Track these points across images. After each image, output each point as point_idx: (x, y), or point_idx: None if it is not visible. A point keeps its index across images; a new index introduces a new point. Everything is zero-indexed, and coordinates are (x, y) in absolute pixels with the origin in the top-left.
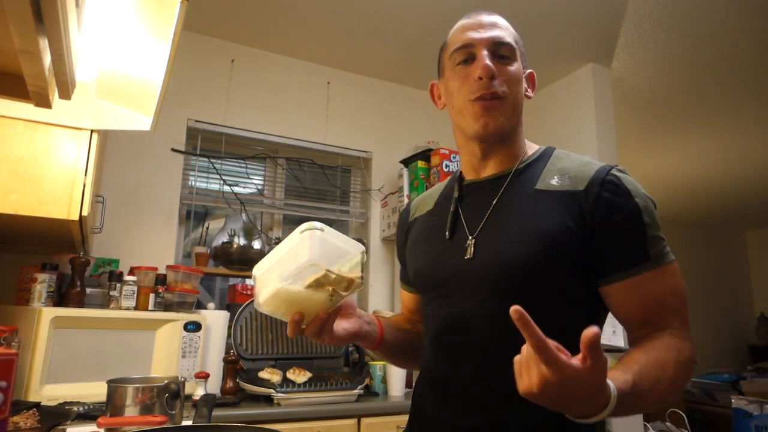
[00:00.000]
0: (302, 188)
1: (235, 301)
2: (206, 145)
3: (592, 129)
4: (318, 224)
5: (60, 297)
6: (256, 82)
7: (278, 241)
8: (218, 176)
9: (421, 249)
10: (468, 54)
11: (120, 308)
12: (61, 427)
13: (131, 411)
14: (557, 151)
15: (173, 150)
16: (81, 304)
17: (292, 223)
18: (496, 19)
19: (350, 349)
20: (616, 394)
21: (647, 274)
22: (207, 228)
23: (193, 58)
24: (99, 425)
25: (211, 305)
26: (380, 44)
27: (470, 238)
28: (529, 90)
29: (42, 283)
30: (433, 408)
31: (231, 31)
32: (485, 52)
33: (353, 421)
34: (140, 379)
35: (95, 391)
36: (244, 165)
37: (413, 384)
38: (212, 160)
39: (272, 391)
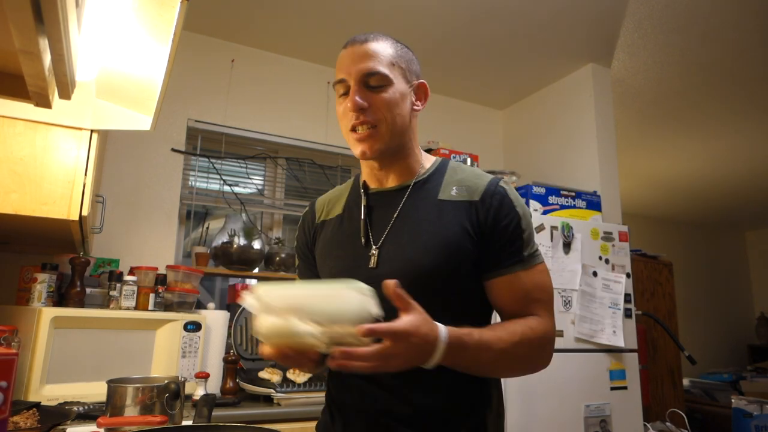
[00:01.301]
0: (302, 188)
1: (235, 301)
2: (206, 145)
3: (592, 129)
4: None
5: (60, 297)
6: (256, 82)
7: (278, 240)
8: (218, 176)
9: (335, 253)
10: (345, 87)
11: (120, 308)
12: (61, 427)
13: (131, 411)
14: (451, 162)
15: (173, 150)
16: (81, 304)
17: (292, 223)
18: (370, 46)
19: None
20: (447, 334)
21: (520, 273)
22: (207, 228)
23: (193, 58)
24: (99, 425)
25: (211, 305)
26: None
27: (374, 248)
28: (418, 103)
29: (42, 283)
30: (355, 399)
31: (231, 31)
32: (355, 86)
33: None
34: (140, 379)
35: (95, 391)
36: (244, 165)
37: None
38: (212, 160)
39: (272, 391)
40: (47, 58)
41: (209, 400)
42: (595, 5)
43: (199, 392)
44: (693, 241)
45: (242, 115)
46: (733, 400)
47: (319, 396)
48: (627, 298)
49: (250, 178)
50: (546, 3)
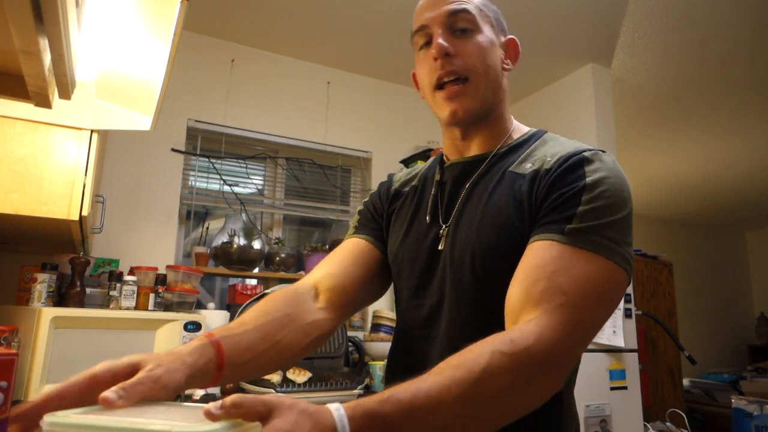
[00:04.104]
0: (302, 188)
1: (235, 301)
2: (206, 145)
3: (592, 129)
4: None
5: (60, 297)
6: (256, 82)
7: (278, 240)
8: (218, 176)
9: (400, 229)
10: (426, 36)
11: (120, 308)
12: None
13: None
14: (548, 134)
15: (173, 150)
16: (81, 304)
17: (292, 223)
18: None
19: (350, 348)
20: (345, 415)
21: (552, 243)
22: (207, 228)
23: (193, 58)
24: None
25: (211, 305)
26: (380, 44)
27: (444, 227)
28: (508, 61)
29: (42, 283)
30: None
31: (231, 31)
32: (439, 30)
33: None
34: None
35: None
36: (244, 165)
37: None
38: (212, 160)
39: (272, 391)
40: (47, 58)
41: (209, 401)
42: (595, 5)
43: (198, 392)
44: (693, 241)
45: (242, 115)
46: (733, 400)
47: (319, 396)
48: (627, 298)
49: (250, 178)
50: (546, 3)
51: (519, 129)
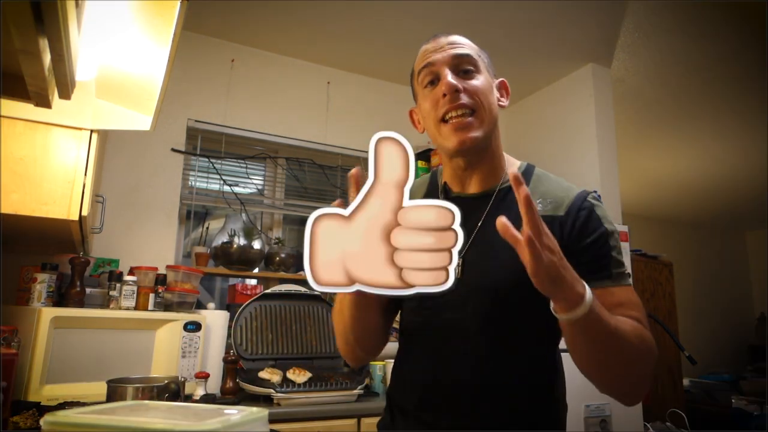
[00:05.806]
0: (302, 188)
1: (235, 301)
2: (206, 145)
3: (592, 129)
4: None
5: (60, 297)
6: (256, 82)
7: (278, 240)
8: (218, 176)
9: None
10: (432, 75)
11: (120, 308)
12: None
13: None
14: (537, 170)
15: (173, 150)
16: (81, 304)
17: (292, 223)
18: (454, 38)
19: None
20: (591, 295)
21: (610, 288)
22: (207, 228)
23: (193, 58)
24: None
25: (211, 305)
26: (380, 44)
27: (459, 257)
28: (502, 99)
29: (42, 283)
30: (414, 402)
31: (231, 31)
32: (447, 70)
33: (353, 421)
34: (140, 379)
35: (95, 391)
36: (244, 165)
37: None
38: (212, 160)
39: (272, 391)
40: (47, 58)
41: (209, 401)
42: (595, 5)
43: (199, 392)
44: (693, 241)
45: (242, 115)
46: (733, 400)
47: (319, 396)
48: None
49: (250, 178)
50: (546, 3)
51: (512, 163)
